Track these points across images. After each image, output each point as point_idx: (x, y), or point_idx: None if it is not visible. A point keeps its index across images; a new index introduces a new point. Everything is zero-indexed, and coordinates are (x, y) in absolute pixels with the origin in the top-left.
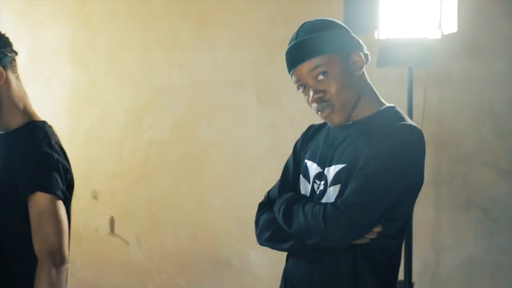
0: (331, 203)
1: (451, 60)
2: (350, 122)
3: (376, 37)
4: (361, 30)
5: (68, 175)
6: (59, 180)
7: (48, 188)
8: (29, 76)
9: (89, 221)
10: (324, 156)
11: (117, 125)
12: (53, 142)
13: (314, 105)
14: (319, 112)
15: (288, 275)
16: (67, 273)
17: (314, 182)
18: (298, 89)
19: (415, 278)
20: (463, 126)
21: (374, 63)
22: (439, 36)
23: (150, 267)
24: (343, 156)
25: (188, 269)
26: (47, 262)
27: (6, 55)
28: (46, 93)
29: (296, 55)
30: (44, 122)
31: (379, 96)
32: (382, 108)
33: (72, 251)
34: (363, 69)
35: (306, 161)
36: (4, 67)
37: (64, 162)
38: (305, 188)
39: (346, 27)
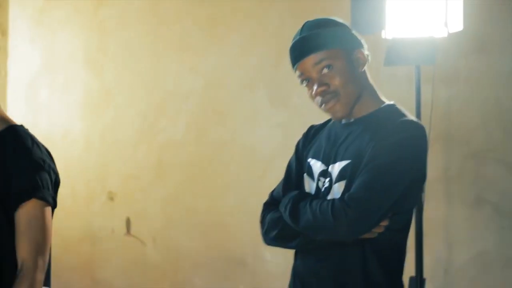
0: (339, 198)
1: (458, 58)
2: (352, 120)
3: (383, 36)
4: (368, 30)
5: (57, 178)
6: (50, 185)
7: (42, 194)
8: (44, 81)
9: (106, 222)
10: (328, 154)
11: (131, 128)
12: (40, 145)
13: (318, 98)
14: (323, 105)
15: (297, 272)
16: None
17: (318, 179)
18: (302, 83)
19: (426, 274)
20: (472, 122)
21: (382, 62)
22: (445, 35)
23: (165, 267)
24: (347, 152)
25: (203, 268)
26: (33, 268)
27: None
28: (61, 98)
29: (301, 49)
30: (23, 126)
31: (380, 94)
32: (383, 105)
33: (89, 252)
34: (365, 68)
35: (309, 159)
36: None
37: (53, 165)
38: (309, 186)
39: (348, 26)
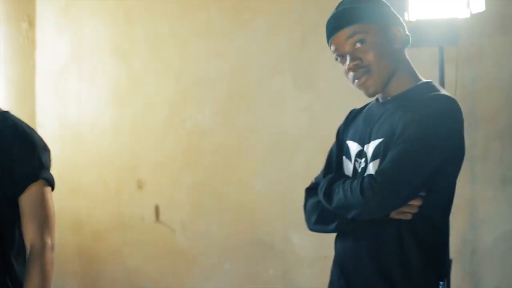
0: (368, 175)
1: (481, 38)
2: (388, 98)
3: (406, 18)
4: None
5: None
6: (49, 166)
7: (47, 176)
8: (72, 72)
9: (135, 210)
10: (363, 134)
11: (159, 116)
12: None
13: (351, 73)
14: (356, 80)
15: (336, 256)
16: None
17: (355, 160)
18: (336, 59)
19: (453, 254)
20: (496, 102)
21: None
22: (467, 16)
23: (195, 253)
24: (380, 130)
25: (232, 253)
26: (44, 248)
27: None
28: (90, 87)
29: (335, 23)
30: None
31: (417, 73)
32: (419, 83)
33: (119, 240)
34: (402, 46)
35: (347, 142)
36: None
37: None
38: (347, 168)
39: (389, 4)
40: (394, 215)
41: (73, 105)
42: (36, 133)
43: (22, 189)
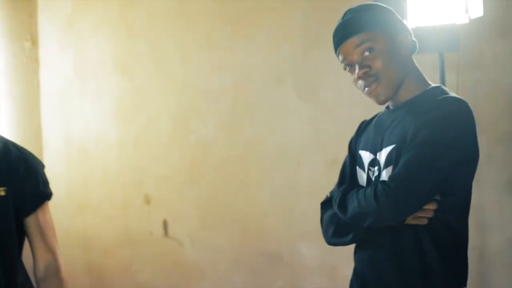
0: (381, 181)
1: (480, 43)
2: (398, 104)
3: None
4: None
5: None
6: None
7: (51, 195)
8: (76, 87)
9: (143, 225)
10: (375, 142)
11: (163, 130)
12: None
13: (360, 82)
14: (366, 89)
15: (357, 267)
16: None
17: (369, 169)
18: (345, 69)
19: None
20: (497, 106)
21: None
22: (466, 21)
23: (204, 266)
24: (392, 137)
25: (241, 265)
26: (59, 268)
27: None
28: (93, 103)
29: (342, 32)
30: None
31: (426, 78)
32: (429, 88)
33: (128, 255)
34: (409, 53)
35: (360, 152)
36: None
37: None
38: (361, 178)
39: (395, 12)
40: (410, 220)
41: (78, 122)
42: (28, 151)
43: (31, 211)
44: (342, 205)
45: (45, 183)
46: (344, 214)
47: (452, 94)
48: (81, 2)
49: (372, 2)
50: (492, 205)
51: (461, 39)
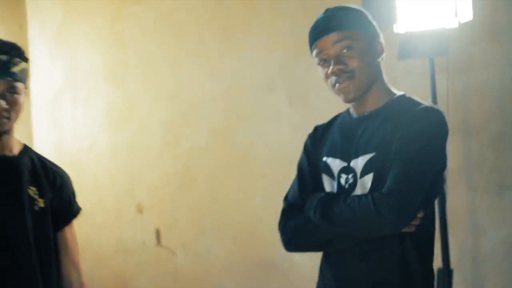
0: (378, 192)
1: (470, 47)
2: (366, 113)
3: (395, 31)
4: (380, 26)
5: None
6: None
7: (80, 211)
8: (67, 96)
9: (136, 234)
10: (346, 150)
11: (155, 138)
12: None
13: (333, 78)
14: (337, 85)
15: (331, 272)
16: None
17: (339, 176)
18: (318, 63)
19: (454, 264)
20: (488, 110)
21: (396, 56)
22: (456, 25)
23: (197, 274)
24: (370, 145)
25: (234, 273)
26: (84, 282)
27: None
28: (85, 112)
29: (324, 26)
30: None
31: (390, 86)
32: (396, 96)
33: (121, 264)
34: (381, 59)
35: (325, 159)
36: None
37: None
38: (330, 185)
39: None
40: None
41: (69, 131)
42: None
43: (63, 225)
44: (328, 216)
45: (75, 198)
46: (330, 223)
47: (425, 102)
48: (71, 12)
49: (354, 5)
50: (484, 208)
51: (451, 43)
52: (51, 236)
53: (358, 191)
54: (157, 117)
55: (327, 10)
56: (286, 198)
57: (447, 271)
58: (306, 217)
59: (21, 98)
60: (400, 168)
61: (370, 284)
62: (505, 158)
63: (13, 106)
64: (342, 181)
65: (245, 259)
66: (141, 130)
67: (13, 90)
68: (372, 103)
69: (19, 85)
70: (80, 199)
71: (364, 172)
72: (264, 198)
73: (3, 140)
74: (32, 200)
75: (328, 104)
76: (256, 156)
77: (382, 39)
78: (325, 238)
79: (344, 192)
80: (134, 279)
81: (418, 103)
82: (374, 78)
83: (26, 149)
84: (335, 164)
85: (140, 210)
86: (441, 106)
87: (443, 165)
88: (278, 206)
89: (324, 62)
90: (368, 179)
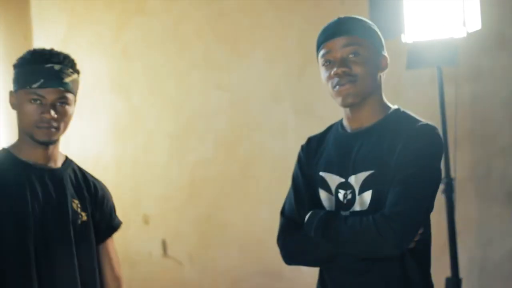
0: (380, 213)
1: (479, 57)
2: (362, 128)
3: (403, 40)
4: (388, 35)
5: None
6: None
7: (120, 224)
8: None
9: (142, 245)
10: (344, 165)
11: (161, 149)
12: None
13: (335, 79)
14: (337, 87)
15: (334, 287)
16: None
17: (337, 192)
18: (323, 64)
19: (462, 273)
20: (496, 120)
21: (404, 66)
22: (464, 35)
23: (204, 285)
24: (367, 162)
25: (241, 284)
26: None
27: None
28: (91, 124)
29: (336, 28)
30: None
31: (386, 100)
32: (390, 111)
33: (128, 276)
34: (382, 74)
35: (321, 173)
36: None
37: None
38: (328, 200)
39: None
40: None
41: (75, 142)
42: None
43: (104, 238)
44: (329, 235)
45: (115, 211)
46: (331, 243)
47: (419, 118)
48: (75, 23)
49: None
50: (492, 219)
51: (459, 52)
52: (94, 250)
53: (357, 207)
54: (163, 128)
55: (339, 18)
56: (283, 212)
57: (456, 281)
58: (305, 234)
59: (71, 109)
60: (400, 188)
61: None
62: None
63: (63, 116)
64: (340, 196)
65: (252, 270)
66: (147, 141)
67: (64, 101)
68: (367, 117)
69: (70, 96)
70: None
71: (363, 189)
72: (270, 209)
73: (49, 151)
74: (75, 214)
75: (334, 115)
76: (262, 167)
77: (387, 55)
78: (326, 256)
79: (342, 208)
80: None
81: (414, 119)
82: (373, 89)
83: (69, 161)
84: (332, 179)
85: (146, 221)
86: (449, 115)
87: (439, 181)
88: None
89: (328, 63)
90: (367, 195)
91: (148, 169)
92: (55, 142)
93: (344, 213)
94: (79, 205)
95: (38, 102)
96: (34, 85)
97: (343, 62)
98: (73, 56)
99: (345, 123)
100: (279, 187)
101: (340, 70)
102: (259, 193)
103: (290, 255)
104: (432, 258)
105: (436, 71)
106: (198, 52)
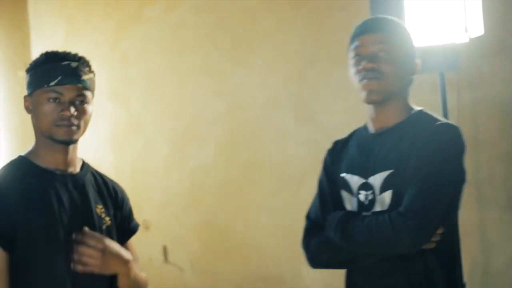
0: (396, 212)
1: (481, 62)
2: (383, 129)
3: None
4: None
5: None
6: None
7: (138, 226)
8: None
9: (143, 251)
10: (365, 166)
11: (161, 156)
12: None
13: (362, 73)
14: (364, 80)
15: None
16: None
17: (358, 193)
18: (353, 57)
19: (465, 278)
20: (498, 125)
21: None
22: (466, 40)
23: None
24: (387, 162)
25: None
26: None
27: None
28: (89, 131)
29: (374, 24)
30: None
31: (411, 103)
32: (413, 112)
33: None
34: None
35: (343, 175)
36: None
37: None
38: (350, 201)
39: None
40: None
41: None
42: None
43: (124, 241)
44: (347, 235)
45: (133, 213)
46: (351, 244)
47: (442, 118)
48: (74, 29)
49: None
50: (494, 224)
51: (461, 58)
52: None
53: (377, 207)
54: (162, 135)
55: (378, 15)
56: (308, 216)
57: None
58: (327, 235)
59: (90, 108)
60: (417, 186)
61: None
62: None
63: (83, 114)
64: (362, 197)
65: (253, 275)
66: (146, 148)
67: (82, 99)
68: (390, 117)
69: (88, 93)
70: None
71: (383, 189)
72: (271, 215)
73: (69, 155)
74: (100, 219)
75: (335, 121)
76: (263, 173)
77: (419, 62)
78: (347, 257)
79: (364, 209)
80: None
81: (435, 119)
82: (399, 90)
83: (87, 165)
84: (354, 180)
85: (147, 226)
86: (451, 120)
87: (462, 180)
88: (285, 223)
89: (358, 57)
90: (387, 195)
91: (148, 175)
92: (75, 141)
93: (365, 214)
94: (103, 210)
95: (57, 100)
96: (52, 83)
97: (373, 58)
98: None
99: (368, 124)
100: (279, 193)
101: (369, 65)
102: (259, 199)
103: (313, 258)
104: None
105: (438, 77)
106: (196, 59)
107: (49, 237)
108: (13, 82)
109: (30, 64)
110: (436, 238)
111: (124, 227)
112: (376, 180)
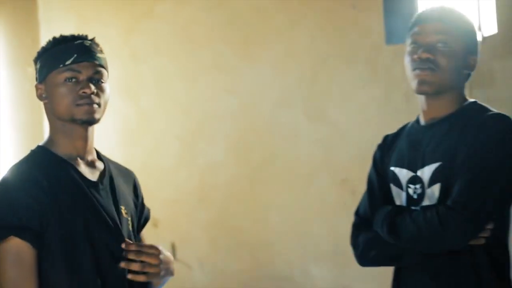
0: (443, 205)
1: (494, 61)
2: (433, 121)
3: None
4: (402, 40)
5: None
6: None
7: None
8: None
9: None
10: (413, 159)
11: (170, 153)
12: None
13: (417, 63)
14: (417, 70)
15: None
16: None
17: (408, 187)
18: (410, 43)
19: None
20: None
21: None
22: (480, 39)
23: None
24: (436, 154)
25: None
26: None
27: None
28: (99, 127)
29: (436, 13)
30: None
31: (465, 96)
32: (465, 103)
33: None
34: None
35: (392, 168)
36: None
37: None
38: (399, 195)
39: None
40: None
41: None
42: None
43: (142, 227)
44: (394, 230)
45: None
46: (398, 240)
47: (493, 109)
48: (84, 26)
49: None
50: None
51: None
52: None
53: (426, 201)
54: (172, 132)
55: (442, 6)
56: (357, 212)
57: None
58: (375, 231)
59: (108, 87)
60: (465, 179)
61: None
62: None
63: (102, 93)
64: (411, 191)
65: (263, 274)
66: (156, 145)
67: (99, 76)
68: (441, 110)
69: (105, 72)
70: None
71: (432, 182)
72: (281, 213)
73: (88, 140)
74: (126, 222)
75: (346, 119)
76: (273, 171)
77: (478, 58)
78: (395, 253)
79: (413, 203)
80: None
81: (487, 109)
82: (453, 84)
83: (102, 155)
84: (403, 174)
85: (155, 224)
86: None
87: None
88: (294, 222)
89: (415, 45)
90: (436, 189)
91: (157, 172)
92: (97, 121)
93: (413, 208)
94: (126, 211)
95: (73, 80)
96: (68, 61)
97: (430, 48)
98: None
99: (420, 116)
100: (289, 192)
101: (424, 55)
102: (270, 197)
103: (362, 255)
104: None
105: None
106: (208, 56)
107: (76, 234)
108: (23, 78)
109: (38, 52)
110: (485, 233)
111: (140, 214)
112: (425, 173)
